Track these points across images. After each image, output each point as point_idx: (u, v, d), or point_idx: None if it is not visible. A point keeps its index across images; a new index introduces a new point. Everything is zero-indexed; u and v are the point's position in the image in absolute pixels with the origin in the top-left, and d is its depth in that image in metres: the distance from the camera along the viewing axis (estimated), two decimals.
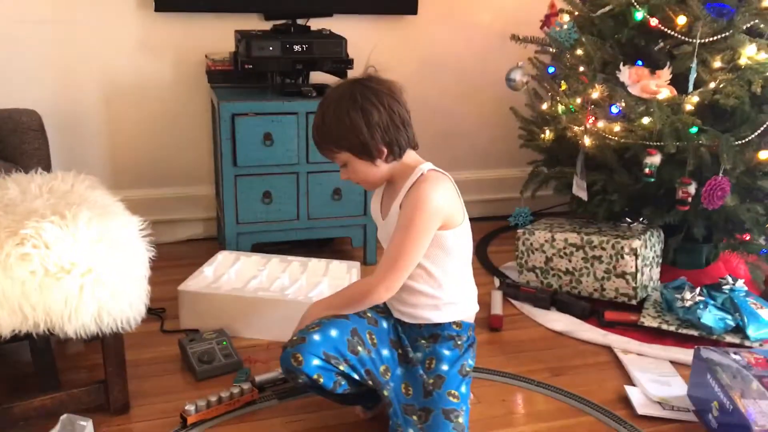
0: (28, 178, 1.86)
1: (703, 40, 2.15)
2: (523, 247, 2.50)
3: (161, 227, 2.70)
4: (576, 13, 2.54)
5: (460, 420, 1.55)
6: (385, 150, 1.58)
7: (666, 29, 2.22)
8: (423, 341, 1.69)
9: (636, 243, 2.27)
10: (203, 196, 2.89)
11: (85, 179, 1.90)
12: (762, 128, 2.14)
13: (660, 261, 2.45)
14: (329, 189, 2.58)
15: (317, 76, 2.64)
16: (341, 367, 1.58)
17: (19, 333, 1.55)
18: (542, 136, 2.62)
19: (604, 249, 2.33)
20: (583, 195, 2.40)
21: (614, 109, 2.28)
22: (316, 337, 1.57)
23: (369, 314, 1.69)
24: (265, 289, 2.20)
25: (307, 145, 2.51)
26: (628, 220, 2.51)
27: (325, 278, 2.29)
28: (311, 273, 2.33)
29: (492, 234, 3.07)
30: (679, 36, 2.20)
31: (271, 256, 2.44)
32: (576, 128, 2.41)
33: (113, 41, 2.63)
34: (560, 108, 2.49)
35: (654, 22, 2.23)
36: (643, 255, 2.30)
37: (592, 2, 2.46)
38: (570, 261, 2.40)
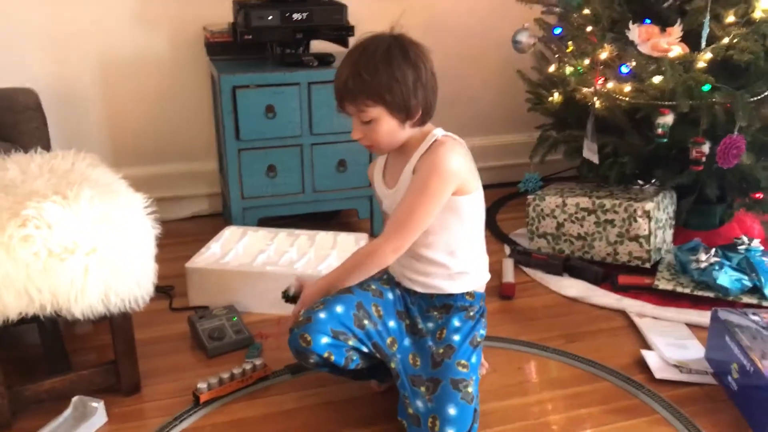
0: (28, 158, 1.83)
1: None
2: (534, 213, 2.46)
3: (165, 204, 2.66)
4: None
5: (470, 389, 1.51)
6: (420, 111, 1.53)
7: None
8: (435, 312, 1.66)
9: (649, 205, 2.23)
10: (207, 172, 2.85)
11: (86, 157, 1.87)
12: None
13: (673, 223, 2.40)
14: (334, 161, 2.54)
15: (318, 45, 2.58)
16: (350, 342, 1.56)
17: (26, 316, 1.52)
18: (550, 99, 2.56)
19: (616, 212, 2.29)
20: (594, 158, 2.35)
21: (624, 69, 2.22)
22: (322, 315, 1.54)
23: (373, 286, 1.66)
24: (274, 263, 2.17)
25: (310, 116, 2.46)
26: (640, 182, 2.46)
27: (333, 251, 2.25)
28: (319, 246, 2.30)
29: (501, 201, 3.03)
30: None
31: (278, 230, 2.40)
32: (585, 90, 2.35)
33: (109, 15, 2.57)
34: (568, 70, 2.43)
35: None
36: (656, 217, 2.25)
37: None
38: (582, 226, 2.36)
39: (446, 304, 1.65)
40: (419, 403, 1.51)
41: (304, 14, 2.44)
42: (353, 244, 2.31)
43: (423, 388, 1.53)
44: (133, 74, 2.66)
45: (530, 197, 2.47)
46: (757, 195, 2.35)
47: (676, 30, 2.17)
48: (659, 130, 2.15)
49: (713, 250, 2.17)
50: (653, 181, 2.40)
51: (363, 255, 1.60)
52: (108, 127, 2.70)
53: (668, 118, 2.13)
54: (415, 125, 1.55)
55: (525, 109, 2.77)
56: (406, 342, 1.64)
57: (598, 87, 2.29)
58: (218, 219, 2.83)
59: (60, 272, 1.50)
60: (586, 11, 2.40)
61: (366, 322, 1.58)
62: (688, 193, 2.40)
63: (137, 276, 1.61)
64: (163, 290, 2.19)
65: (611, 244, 2.31)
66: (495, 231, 2.74)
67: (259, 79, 2.41)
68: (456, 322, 1.63)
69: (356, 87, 1.48)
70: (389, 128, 1.52)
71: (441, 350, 1.57)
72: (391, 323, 1.64)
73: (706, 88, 2.11)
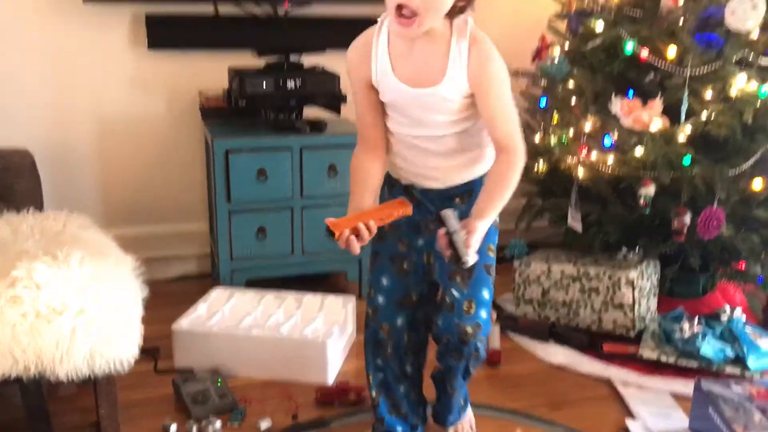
0: (20, 218, 1.85)
1: (693, 72, 2.17)
2: (520, 280, 2.49)
3: (154, 264, 2.67)
4: (567, 46, 2.56)
5: (492, 274, 1.58)
6: None
7: (656, 61, 2.24)
8: (457, 199, 1.59)
9: (633, 274, 2.26)
10: (197, 232, 2.87)
11: (78, 218, 1.89)
12: (754, 158, 2.16)
13: (657, 291, 2.43)
14: (324, 223, 2.57)
15: (310, 110, 2.65)
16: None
17: (8, 377, 1.51)
18: (536, 167, 2.62)
19: (600, 280, 2.32)
20: (578, 227, 2.40)
21: (607, 141, 2.29)
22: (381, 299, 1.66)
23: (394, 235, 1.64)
24: (260, 326, 2.18)
25: (301, 180, 2.51)
26: (624, 250, 2.50)
27: (320, 314, 2.26)
28: (306, 309, 2.31)
29: None
30: (670, 67, 2.22)
31: (265, 292, 2.41)
32: (569, 160, 2.42)
33: (106, 78, 2.64)
34: (553, 140, 2.50)
35: (644, 54, 2.25)
36: (640, 286, 2.28)
37: (583, 35, 2.48)
38: (567, 293, 2.38)
39: (466, 190, 1.60)
40: (455, 292, 1.54)
41: (298, 82, 2.52)
42: (341, 306, 2.32)
43: (459, 278, 1.55)
44: (128, 136, 2.71)
45: (516, 263, 2.50)
46: (740, 264, 2.40)
47: (657, 104, 2.25)
48: (642, 201, 2.20)
49: (697, 319, 2.20)
50: (637, 249, 2.44)
51: (512, 175, 1.48)
52: (101, 187, 2.74)
53: (650, 189, 2.19)
54: (453, 10, 1.39)
55: None
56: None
57: (582, 157, 2.35)
58: (206, 279, 2.84)
59: (46, 333, 1.50)
60: (571, 84, 2.49)
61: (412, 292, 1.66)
62: (671, 261, 2.44)
63: (123, 338, 1.61)
64: (148, 352, 2.18)
65: (596, 311, 2.33)
66: None
67: (252, 143, 2.46)
68: None
69: None
70: None
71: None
72: (420, 241, 1.64)
73: (687, 160, 2.18)
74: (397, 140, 1.57)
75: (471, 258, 1.40)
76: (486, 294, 1.56)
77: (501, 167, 1.49)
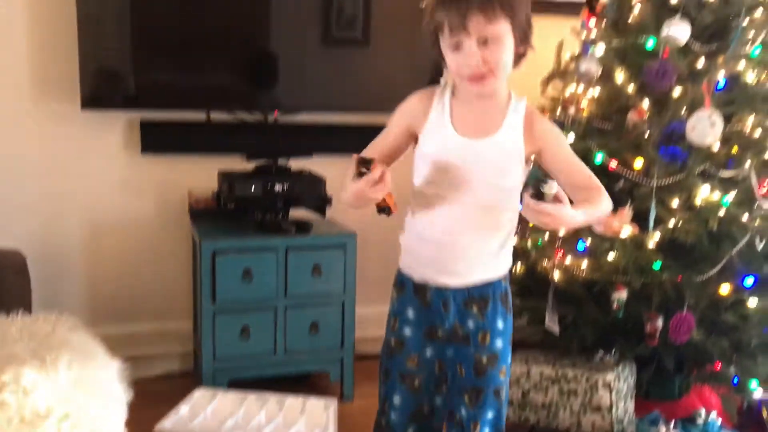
0: (8, 321, 1.88)
1: (659, 182, 2.30)
2: None
3: (138, 362, 2.67)
4: None
5: (502, 396, 1.57)
6: (528, 41, 1.48)
7: (625, 172, 2.37)
8: (474, 306, 1.55)
9: (609, 376, 2.31)
10: (180, 331, 2.90)
11: (67, 320, 1.92)
12: (721, 264, 2.25)
13: (634, 393, 2.48)
14: (307, 323, 2.62)
15: (296, 211, 2.74)
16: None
17: None
18: (514, 269, 2.70)
19: (578, 382, 2.36)
20: (555, 329, 2.46)
21: (581, 246, 2.39)
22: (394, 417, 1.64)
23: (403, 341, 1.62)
24: (243, 428, 2.18)
25: (285, 280, 2.57)
26: (601, 352, 2.55)
27: (302, 417, 2.27)
28: (288, 411, 2.31)
29: None
30: (637, 178, 2.35)
31: (247, 394, 2.42)
32: (545, 263, 2.51)
33: (99, 180, 2.73)
34: (529, 243, 2.60)
35: (613, 164, 2.39)
36: (617, 388, 2.33)
37: None
38: (546, 395, 2.42)
39: (484, 295, 1.56)
40: (462, 411, 1.56)
41: (286, 186, 2.62)
42: (322, 409, 2.32)
43: (466, 396, 1.56)
44: (117, 236, 2.78)
45: None
46: (716, 366, 2.45)
47: (627, 212, 2.36)
48: (615, 305, 2.28)
49: (673, 423, 2.24)
50: (613, 351, 2.50)
51: (600, 197, 1.53)
52: (89, 286, 2.78)
53: (623, 294, 2.27)
54: (517, 61, 1.48)
55: None
56: (449, 352, 1.59)
57: (557, 261, 2.44)
58: (189, 378, 2.84)
59: None
60: None
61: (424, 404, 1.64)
62: (647, 364, 2.50)
63: None
64: None
65: (575, 414, 2.36)
66: None
67: (239, 244, 2.53)
68: (500, 324, 1.57)
69: None
70: (509, 52, 1.44)
71: (485, 359, 1.55)
72: (428, 353, 1.61)
73: (657, 266, 2.27)
74: (424, 213, 1.54)
75: (543, 208, 1.35)
76: (491, 414, 1.57)
77: (594, 193, 1.52)
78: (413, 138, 1.57)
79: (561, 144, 1.55)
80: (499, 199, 1.52)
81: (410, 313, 1.61)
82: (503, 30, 1.41)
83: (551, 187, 1.36)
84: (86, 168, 2.71)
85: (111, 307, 2.81)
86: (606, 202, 1.53)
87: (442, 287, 1.56)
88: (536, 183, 1.38)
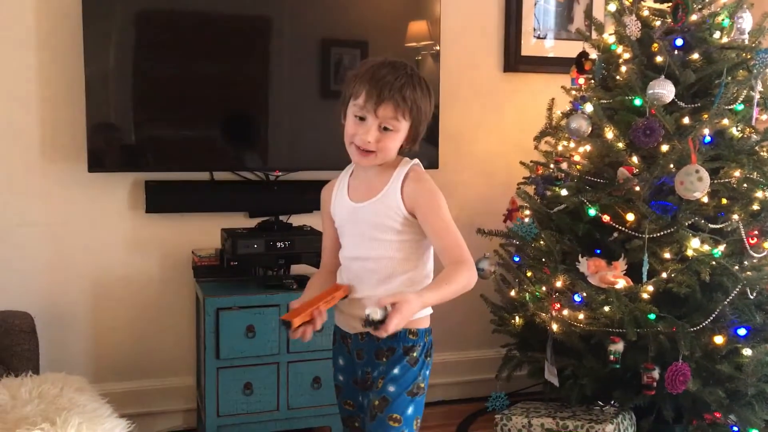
0: (18, 382, 1.93)
1: (651, 235, 2.36)
2: None
3: (142, 419, 2.70)
4: (535, 209, 2.77)
5: None
6: (417, 142, 1.66)
7: (617, 225, 2.44)
8: (383, 357, 1.65)
9: (609, 428, 2.34)
10: (183, 387, 2.92)
11: (74, 381, 1.97)
12: (714, 315, 2.30)
13: None
14: (309, 378, 2.65)
15: (297, 267, 2.80)
16: None
17: None
18: (512, 321, 2.75)
19: None
20: (555, 381, 2.49)
21: (577, 298, 2.44)
22: None
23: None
24: None
25: (288, 335, 2.60)
26: (600, 403, 2.58)
27: None
28: None
29: (470, 417, 3.10)
30: (630, 231, 2.41)
31: None
32: (543, 315, 2.55)
33: (104, 241, 2.79)
34: (527, 295, 2.65)
35: (606, 218, 2.46)
36: None
37: (549, 199, 2.70)
38: None
39: (391, 346, 1.64)
40: None
41: (287, 242, 2.68)
42: None
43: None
44: (122, 295, 2.82)
45: (498, 417, 2.57)
46: (716, 415, 2.47)
47: (621, 264, 2.42)
48: (612, 357, 2.32)
49: None
50: (612, 402, 2.53)
51: (456, 275, 1.55)
52: (94, 344, 2.81)
53: (619, 346, 2.32)
54: (404, 150, 1.67)
55: (491, 329, 2.95)
56: (366, 401, 1.69)
57: (554, 313, 2.49)
58: None
59: None
60: (541, 243, 2.67)
61: None
62: (647, 413, 2.52)
63: None
64: None
65: None
66: None
67: (242, 301, 2.58)
68: (396, 371, 1.63)
69: (409, 97, 1.58)
70: (396, 143, 1.62)
71: (377, 402, 1.62)
72: (361, 398, 1.71)
73: (652, 317, 2.32)
74: (342, 267, 1.73)
75: (385, 327, 1.39)
76: None
77: (450, 268, 1.57)
78: None
79: (431, 207, 1.61)
80: (379, 250, 1.64)
81: (340, 361, 1.76)
82: (403, 126, 1.61)
83: (376, 313, 1.42)
84: (92, 228, 2.78)
85: (116, 364, 2.84)
86: (464, 280, 1.56)
87: (359, 335, 1.69)
88: (365, 317, 1.42)
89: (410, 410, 1.62)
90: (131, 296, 2.84)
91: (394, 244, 1.64)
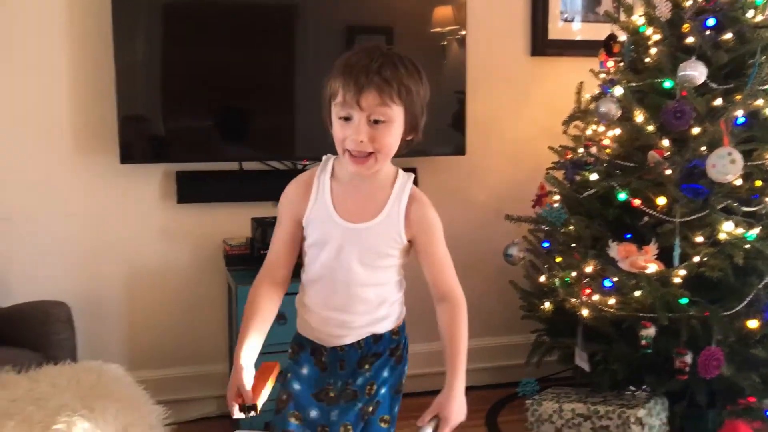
0: (57, 370, 1.98)
1: (683, 219, 2.33)
2: (533, 418, 2.55)
3: (176, 406, 2.74)
4: (564, 194, 2.75)
5: None
6: (417, 136, 1.45)
7: (647, 209, 2.41)
8: (366, 364, 1.54)
9: (641, 412, 2.33)
10: (217, 374, 2.97)
11: (110, 369, 2.02)
12: (748, 299, 2.27)
13: (667, 429, 2.48)
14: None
15: None
16: None
17: None
18: (542, 307, 2.74)
19: (610, 419, 2.38)
20: (585, 366, 2.49)
21: (607, 283, 2.42)
22: None
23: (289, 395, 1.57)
24: None
25: None
26: (632, 388, 2.57)
27: None
28: None
29: (500, 403, 3.10)
30: (661, 215, 2.39)
31: None
32: (573, 300, 2.54)
33: (137, 231, 2.84)
34: (557, 281, 2.64)
35: (636, 202, 2.43)
36: (649, 424, 2.34)
37: (579, 184, 2.68)
38: (579, 431, 2.44)
39: (377, 351, 1.55)
40: None
41: None
42: None
43: None
44: (155, 284, 2.87)
45: (528, 402, 2.57)
46: (749, 400, 2.45)
47: (652, 248, 2.40)
48: (643, 342, 2.30)
49: None
50: (644, 387, 2.52)
51: (465, 326, 1.50)
52: (128, 332, 2.87)
53: (650, 330, 2.30)
54: (403, 146, 1.45)
55: (520, 315, 2.94)
56: (333, 415, 1.53)
57: (584, 298, 2.48)
58: (225, 421, 2.90)
59: None
60: (570, 228, 2.65)
61: None
62: (679, 398, 2.51)
63: None
64: None
65: None
66: None
67: None
68: (385, 373, 1.55)
69: (391, 77, 1.36)
70: (394, 138, 1.41)
71: (370, 408, 1.51)
72: (313, 413, 1.54)
73: (684, 301, 2.30)
74: (311, 288, 1.55)
75: None
76: None
77: (453, 325, 1.49)
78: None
79: (437, 238, 1.50)
80: (378, 277, 1.52)
81: (304, 370, 1.59)
82: (395, 114, 1.39)
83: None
84: (125, 219, 2.83)
85: (150, 352, 2.90)
86: (466, 324, 1.49)
87: (336, 347, 1.55)
88: None
89: (396, 408, 1.56)
90: (164, 285, 2.89)
91: (389, 270, 1.52)
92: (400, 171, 1.52)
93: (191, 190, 2.82)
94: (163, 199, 2.86)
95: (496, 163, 3.23)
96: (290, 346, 1.64)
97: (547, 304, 2.71)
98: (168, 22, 2.69)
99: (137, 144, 2.72)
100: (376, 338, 1.55)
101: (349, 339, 1.54)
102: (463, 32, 2.96)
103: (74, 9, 2.69)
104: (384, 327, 1.56)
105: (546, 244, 2.82)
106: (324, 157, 1.53)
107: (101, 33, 2.66)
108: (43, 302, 2.40)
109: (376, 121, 1.37)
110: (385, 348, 1.56)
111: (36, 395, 1.80)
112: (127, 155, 2.68)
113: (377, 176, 1.47)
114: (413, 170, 3.01)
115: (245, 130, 2.86)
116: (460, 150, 3.05)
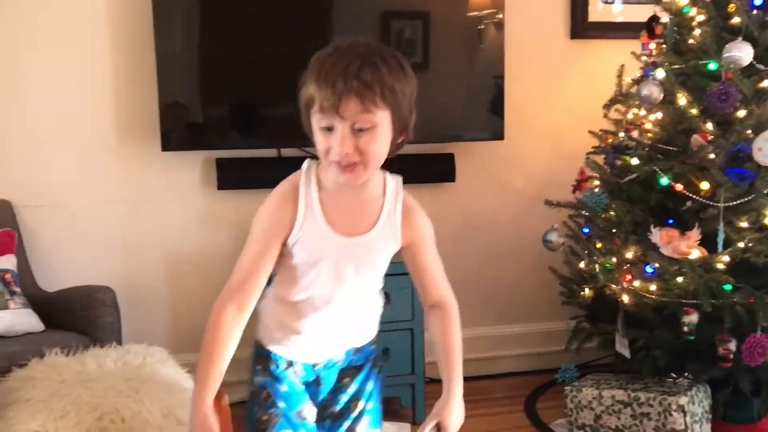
0: (104, 352, 2.03)
1: (727, 204, 2.28)
2: (572, 405, 2.53)
3: None
4: (605, 179, 2.71)
5: None
6: (408, 131, 1.32)
7: (690, 194, 2.37)
8: (346, 378, 1.46)
9: (683, 399, 2.30)
10: None
11: (155, 352, 2.07)
12: None
13: (710, 417, 2.45)
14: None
15: None
16: None
17: None
18: (582, 293, 2.71)
19: (651, 406, 2.35)
20: (626, 352, 2.46)
21: (648, 269, 2.39)
22: None
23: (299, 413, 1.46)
24: None
25: None
26: (674, 375, 2.54)
27: None
28: None
29: (539, 389, 3.10)
30: (704, 200, 2.34)
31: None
32: (614, 286, 2.51)
33: (179, 217, 2.90)
34: (597, 267, 2.61)
35: (679, 187, 2.39)
36: (691, 411, 2.31)
37: (620, 169, 2.64)
38: (619, 418, 2.42)
39: (358, 364, 1.47)
40: None
41: None
42: None
43: None
44: (196, 270, 2.93)
45: (567, 388, 2.56)
46: None
47: (695, 233, 2.35)
48: (686, 328, 2.27)
49: None
50: (686, 374, 2.48)
51: (455, 328, 1.44)
52: (172, 316, 2.94)
53: (693, 317, 2.26)
54: (394, 148, 1.32)
55: (560, 301, 2.92)
56: None
57: (625, 284, 2.45)
58: None
59: None
60: (611, 214, 2.62)
61: None
62: (722, 386, 2.46)
63: None
64: None
65: None
66: (534, 420, 2.79)
67: None
68: (368, 387, 1.48)
69: (372, 79, 1.22)
70: (383, 143, 1.28)
71: (358, 426, 1.46)
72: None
73: (728, 287, 2.25)
74: (304, 304, 1.41)
75: None
76: None
77: (448, 331, 1.43)
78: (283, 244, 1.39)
79: (425, 245, 1.43)
80: (370, 289, 1.44)
81: (283, 387, 1.47)
82: (380, 119, 1.25)
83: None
84: (167, 206, 2.88)
85: (192, 335, 2.93)
86: (458, 328, 1.44)
87: (316, 364, 1.46)
88: None
89: (380, 417, 1.51)
90: (204, 271, 2.94)
91: (380, 280, 1.44)
92: (388, 175, 1.41)
93: (231, 177, 2.86)
94: (204, 186, 2.91)
95: (535, 148, 3.20)
96: (255, 360, 1.53)
97: (587, 290, 2.69)
98: (206, 10, 2.73)
99: (178, 132, 2.77)
100: (356, 349, 1.46)
101: (333, 354, 1.45)
102: (501, 16, 2.93)
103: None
104: (368, 337, 1.49)
105: (586, 230, 2.79)
106: (304, 165, 1.40)
107: (142, 23, 2.70)
108: (88, 287, 2.47)
109: (360, 130, 1.24)
110: (366, 358, 1.48)
111: (84, 377, 1.85)
112: (168, 143, 2.72)
113: (367, 184, 1.35)
114: (450, 156, 3.07)
115: (283, 117, 2.88)
116: (498, 135, 3.03)
